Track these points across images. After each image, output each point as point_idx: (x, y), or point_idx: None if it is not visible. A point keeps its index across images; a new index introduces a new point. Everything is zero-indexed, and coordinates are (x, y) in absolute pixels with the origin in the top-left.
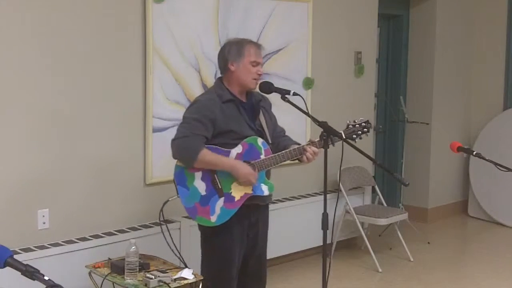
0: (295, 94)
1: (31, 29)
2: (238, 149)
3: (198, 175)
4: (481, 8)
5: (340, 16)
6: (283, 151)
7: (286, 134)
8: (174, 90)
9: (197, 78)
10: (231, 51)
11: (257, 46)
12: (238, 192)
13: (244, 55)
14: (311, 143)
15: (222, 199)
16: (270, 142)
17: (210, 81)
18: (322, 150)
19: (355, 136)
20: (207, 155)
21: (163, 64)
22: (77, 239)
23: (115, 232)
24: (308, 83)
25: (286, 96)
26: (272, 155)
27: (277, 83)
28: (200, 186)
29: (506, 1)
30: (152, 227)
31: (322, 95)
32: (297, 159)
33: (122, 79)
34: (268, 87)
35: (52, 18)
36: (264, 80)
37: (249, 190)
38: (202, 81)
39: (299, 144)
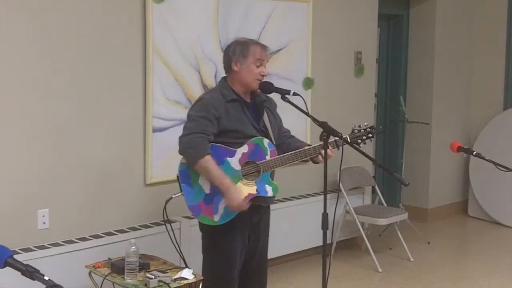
0: (295, 94)
1: (31, 30)
2: (244, 149)
3: None
4: (481, 8)
5: (340, 16)
6: (297, 151)
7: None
8: (174, 90)
9: (197, 78)
10: (236, 51)
11: (263, 47)
12: (242, 192)
13: (248, 56)
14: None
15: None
16: (274, 143)
17: (210, 81)
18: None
19: (360, 141)
20: (209, 162)
21: (163, 64)
22: (77, 239)
23: (115, 232)
24: (308, 83)
25: (286, 96)
26: (282, 155)
27: (277, 83)
28: (205, 184)
29: (506, 1)
30: (152, 227)
31: (322, 95)
32: (311, 158)
33: (122, 79)
34: (268, 87)
35: (51, 19)
36: (264, 80)
37: (253, 191)
38: (202, 81)
39: (309, 145)
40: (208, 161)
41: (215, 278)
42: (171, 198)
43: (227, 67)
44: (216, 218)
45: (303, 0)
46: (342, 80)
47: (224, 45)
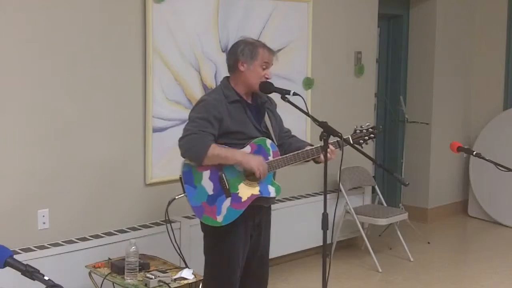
0: (295, 94)
1: (31, 29)
2: (247, 149)
3: (206, 174)
4: (481, 7)
5: (340, 16)
6: (300, 151)
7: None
8: (174, 90)
9: (197, 78)
10: (245, 52)
11: (270, 50)
12: (245, 193)
13: (257, 58)
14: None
15: (229, 199)
16: (276, 143)
17: (210, 81)
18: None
19: (362, 141)
20: (216, 149)
21: (163, 64)
22: (77, 239)
23: (115, 232)
24: (308, 83)
25: (286, 96)
26: (284, 155)
27: (277, 83)
28: (208, 185)
29: (506, 1)
30: (152, 227)
31: (322, 95)
32: (313, 159)
33: (122, 79)
34: (268, 87)
35: (52, 19)
36: (264, 80)
37: (256, 191)
38: (202, 81)
39: (312, 145)
40: (215, 148)
41: (217, 278)
42: (174, 199)
43: (233, 65)
44: (220, 219)
45: (303, 0)
46: (342, 80)
47: (224, 45)
